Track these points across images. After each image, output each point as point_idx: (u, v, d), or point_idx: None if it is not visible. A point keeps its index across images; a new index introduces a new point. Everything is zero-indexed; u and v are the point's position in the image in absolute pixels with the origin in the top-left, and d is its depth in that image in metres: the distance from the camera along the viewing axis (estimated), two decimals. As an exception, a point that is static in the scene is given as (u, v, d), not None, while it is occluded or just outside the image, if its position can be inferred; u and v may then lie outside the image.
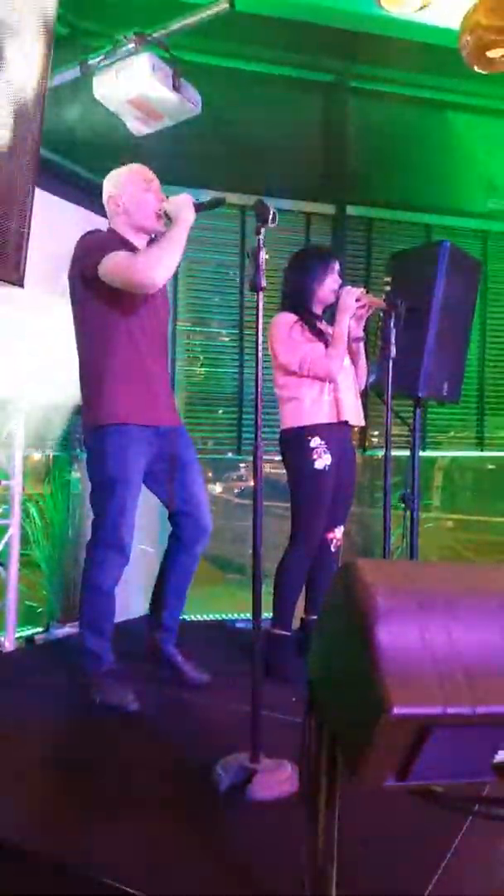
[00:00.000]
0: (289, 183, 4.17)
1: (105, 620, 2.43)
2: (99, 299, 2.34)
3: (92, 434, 2.42)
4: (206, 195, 2.50)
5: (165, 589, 2.61)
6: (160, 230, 2.39)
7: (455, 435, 4.78)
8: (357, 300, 2.77)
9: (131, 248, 2.38)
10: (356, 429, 3.05)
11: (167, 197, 2.37)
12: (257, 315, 1.95)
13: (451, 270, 3.20)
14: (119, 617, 2.51)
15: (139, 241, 2.44)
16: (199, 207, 2.26)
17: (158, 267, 2.21)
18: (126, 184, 2.42)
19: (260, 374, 1.94)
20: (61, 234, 2.41)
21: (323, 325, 2.88)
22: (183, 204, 2.27)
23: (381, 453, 2.85)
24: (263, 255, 1.94)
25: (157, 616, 2.63)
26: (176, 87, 3.07)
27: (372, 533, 4.30)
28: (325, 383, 2.79)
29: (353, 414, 2.87)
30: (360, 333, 2.90)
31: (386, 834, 1.63)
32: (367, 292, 2.83)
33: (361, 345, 2.94)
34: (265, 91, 4.26)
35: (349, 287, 2.81)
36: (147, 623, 2.67)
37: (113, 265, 2.26)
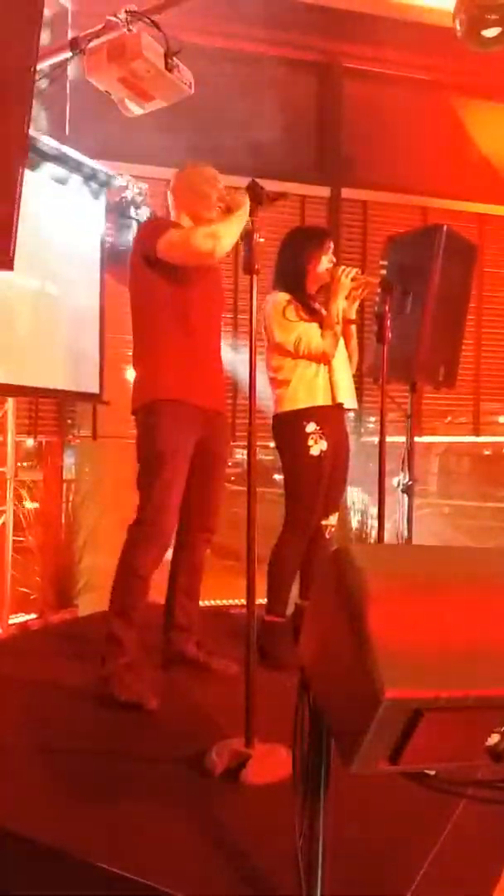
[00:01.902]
0: (283, 164, 4.13)
1: (134, 608, 2.36)
2: (159, 280, 2.38)
3: (144, 410, 2.41)
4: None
5: (174, 587, 2.62)
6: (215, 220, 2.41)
7: (451, 420, 4.77)
8: (353, 279, 2.74)
9: None
10: (350, 412, 3.03)
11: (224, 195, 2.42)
12: (251, 298, 1.93)
13: (448, 254, 3.17)
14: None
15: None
16: (252, 187, 2.15)
17: (216, 237, 2.23)
18: (194, 177, 2.51)
19: (254, 357, 1.92)
20: (51, 217, 2.39)
21: (317, 305, 2.85)
22: (242, 196, 2.25)
23: (376, 439, 2.83)
24: (257, 238, 1.91)
25: (171, 616, 2.63)
26: (169, 67, 3.02)
27: (367, 519, 4.30)
28: (319, 365, 2.76)
29: (348, 396, 2.85)
30: (353, 315, 2.88)
31: (379, 817, 1.63)
32: (363, 274, 2.81)
33: (353, 328, 2.92)
34: (258, 71, 4.21)
35: (344, 266, 2.79)
36: (164, 625, 2.65)
37: (172, 239, 2.32)
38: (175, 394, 2.38)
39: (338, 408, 2.81)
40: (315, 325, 2.74)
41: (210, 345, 2.54)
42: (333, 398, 2.78)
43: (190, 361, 2.42)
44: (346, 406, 2.85)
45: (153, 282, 2.39)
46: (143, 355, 2.47)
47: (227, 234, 2.22)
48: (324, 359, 2.74)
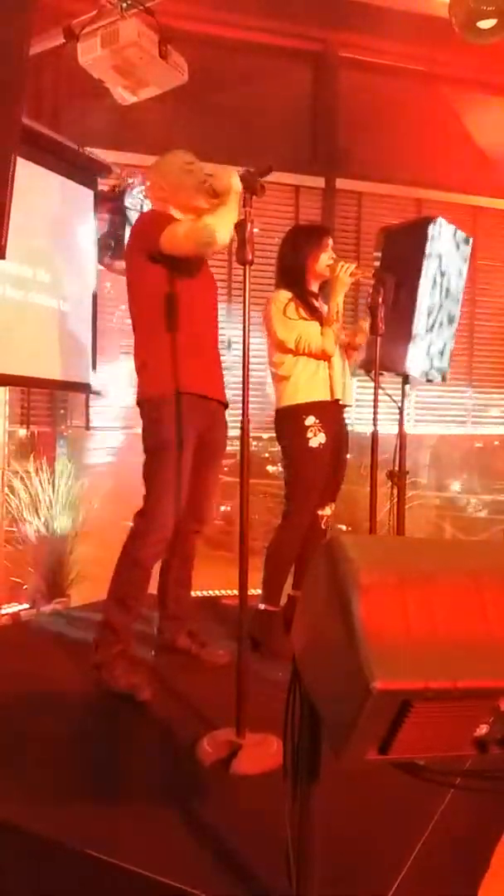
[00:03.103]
0: (277, 154, 4.11)
1: (135, 598, 2.36)
2: (161, 274, 2.37)
3: (149, 402, 2.42)
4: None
5: (167, 578, 2.62)
6: (204, 207, 2.40)
7: (443, 413, 4.78)
8: (351, 275, 2.76)
9: None
10: (347, 408, 3.05)
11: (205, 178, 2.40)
12: (244, 289, 1.92)
13: (442, 246, 3.17)
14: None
15: (187, 220, 2.44)
16: (245, 176, 2.11)
17: (219, 227, 2.21)
18: (166, 168, 2.48)
19: (247, 348, 1.92)
20: (43, 205, 2.37)
21: (318, 303, 2.87)
22: (226, 175, 2.26)
23: (368, 431, 2.84)
24: (251, 228, 1.91)
25: (163, 605, 2.64)
26: (162, 55, 3.00)
27: (359, 510, 4.32)
28: (319, 361, 2.79)
29: (345, 393, 2.88)
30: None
31: (369, 807, 1.65)
32: (358, 267, 2.82)
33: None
34: (253, 60, 4.18)
35: (343, 263, 2.80)
36: (159, 616, 2.66)
37: (174, 232, 2.31)
38: (181, 386, 2.38)
39: (335, 402, 2.84)
40: (315, 324, 2.77)
41: (211, 336, 2.56)
42: (332, 394, 2.81)
43: (194, 353, 2.42)
44: (343, 402, 2.87)
45: (156, 276, 2.38)
46: (147, 347, 2.45)
47: (225, 222, 2.20)
48: (324, 356, 2.77)
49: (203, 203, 2.41)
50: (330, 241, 2.87)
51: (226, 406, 2.60)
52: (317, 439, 2.76)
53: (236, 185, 2.16)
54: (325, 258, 2.83)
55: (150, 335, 2.44)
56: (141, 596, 2.37)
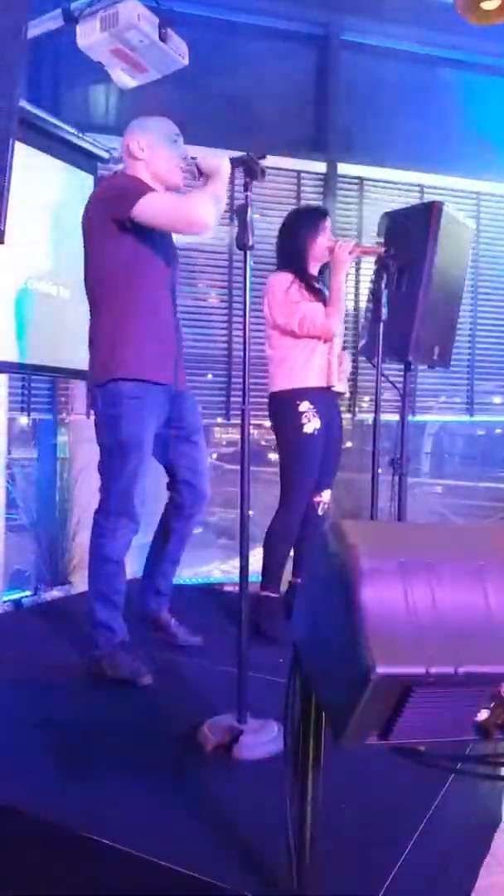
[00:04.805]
0: (279, 139, 4.07)
1: (116, 591, 2.33)
2: (124, 246, 2.21)
3: (104, 391, 2.26)
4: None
5: (161, 555, 2.60)
6: (181, 187, 2.31)
7: (445, 400, 4.77)
8: (350, 252, 2.75)
9: None
10: (345, 395, 3.05)
11: (189, 156, 2.27)
12: (244, 275, 1.91)
13: (444, 232, 3.15)
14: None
15: (160, 190, 2.30)
16: (244, 160, 1.98)
17: (210, 210, 2.11)
18: (153, 130, 2.30)
19: (248, 335, 1.91)
20: (42, 190, 2.34)
21: (319, 285, 2.86)
22: (214, 158, 2.15)
23: (370, 418, 2.84)
24: (251, 213, 1.89)
25: (151, 582, 2.62)
26: (163, 38, 2.96)
27: (361, 498, 4.31)
28: (317, 346, 2.78)
29: (339, 380, 2.87)
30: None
31: (369, 791, 1.65)
32: (356, 244, 2.82)
33: None
34: (254, 43, 4.14)
35: (341, 241, 2.79)
36: (141, 588, 2.64)
37: (159, 202, 2.16)
38: (138, 372, 2.24)
39: (329, 389, 2.84)
40: (319, 305, 2.76)
41: (170, 319, 2.38)
42: (327, 380, 2.81)
43: (153, 337, 2.28)
44: (336, 390, 2.87)
45: (116, 247, 2.21)
46: (102, 328, 2.28)
47: (217, 208, 2.14)
48: (327, 336, 2.76)
49: (180, 181, 2.31)
50: (329, 223, 2.87)
51: (188, 393, 2.49)
52: (311, 425, 2.75)
53: (226, 167, 2.10)
54: (323, 240, 2.81)
55: (105, 315, 2.28)
56: (120, 587, 2.35)
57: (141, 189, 2.18)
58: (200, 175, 2.19)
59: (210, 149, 2.48)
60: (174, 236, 2.40)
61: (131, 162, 2.33)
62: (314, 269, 2.88)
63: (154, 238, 2.25)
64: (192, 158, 2.22)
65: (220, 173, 2.14)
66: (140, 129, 2.32)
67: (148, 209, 2.13)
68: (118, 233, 2.19)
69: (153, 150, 2.29)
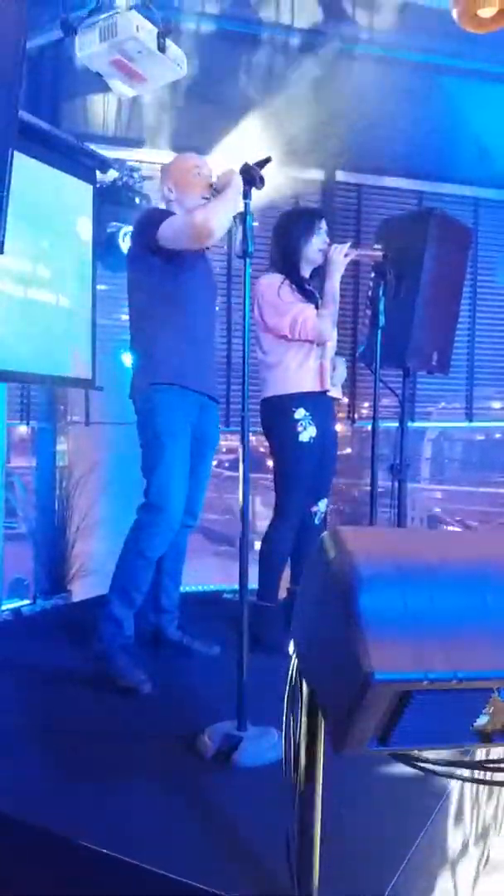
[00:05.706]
0: (277, 147, 4.08)
1: (137, 589, 2.38)
2: (159, 268, 2.42)
3: (144, 394, 2.44)
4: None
5: (159, 571, 2.60)
6: None
7: (444, 406, 4.77)
8: (345, 255, 2.72)
9: None
10: (343, 400, 3.03)
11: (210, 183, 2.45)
12: (245, 282, 1.92)
13: (442, 238, 3.16)
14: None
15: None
16: (245, 169, 2.06)
17: (214, 217, 2.25)
18: (175, 171, 2.55)
19: (248, 343, 1.91)
20: (42, 200, 2.36)
21: (311, 287, 2.82)
22: (228, 173, 2.32)
23: (369, 424, 2.83)
24: (251, 221, 1.90)
25: (154, 598, 2.63)
26: (161, 48, 2.98)
27: (359, 504, 4.31)
28: (311, 349, 2.73)
29: (333, 385, 2.84)
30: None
31: (369, 798, 1.65)
32: (351, 247, 2.78)
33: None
34: (252, 52, 4.16)
35: (336, 244, 2.76)
36: (147, 607, 2.62)
37: (172, 225, 2.36)
38: (174, 378, 2.42)
39: (324, 393, 2.79)
40: (311, 307, 2.71)
41: (205, 331, 2.59)
42: (322, 384, 2.77)
43: (188, 348, 2.46)
44: (331, 395, 2.83)
45: (153, 270, 2.42)
46: (143, 339, 2.51)
47: (219, 213, 2.23)
48: (320, 339, 2.71)
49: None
50: (323, 225, 2.81)
51: (216, 402, 2.63)
52: (307, 433, 2.71)
53: (238, 181, 2.15)
54: (317, 242, 2.77)
55: (145, 329, 2.49)
56: (142, 585, 2.39)
57: (161, 217, 2.40)
58: (218, 193, 2.35)
59: (212, 156, 2.51)
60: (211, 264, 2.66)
61: (167, 203, 2.58)
62: (306, 272, 2.82)
63: (185, 258, 2.41)
64: (212, 185, 2.42)
65: (232, 185, 2.26)
66: (165, 173, 2.60)
67: (166, 234, 2.35)
68: (151, 257, 2.41)
69: (180, 190, 2.52)
